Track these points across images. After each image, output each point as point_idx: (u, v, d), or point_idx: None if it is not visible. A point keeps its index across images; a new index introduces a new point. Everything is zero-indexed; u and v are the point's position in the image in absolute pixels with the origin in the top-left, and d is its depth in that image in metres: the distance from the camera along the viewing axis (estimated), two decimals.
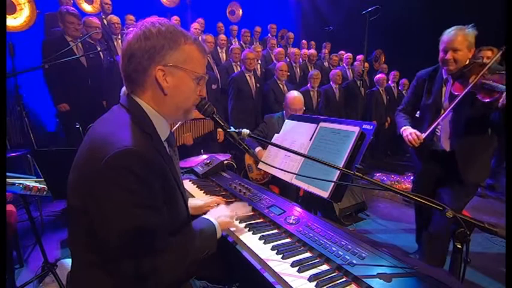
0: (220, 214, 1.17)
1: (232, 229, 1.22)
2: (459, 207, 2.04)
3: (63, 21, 3.31)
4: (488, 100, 1.76)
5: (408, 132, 2.00)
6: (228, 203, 1.46)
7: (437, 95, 2.04)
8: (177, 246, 0.91)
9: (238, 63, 4.54)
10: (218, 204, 1.42)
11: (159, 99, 0.92)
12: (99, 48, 3.56)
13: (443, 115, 1.92)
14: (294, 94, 2.92)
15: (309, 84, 4.87)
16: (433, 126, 1.92)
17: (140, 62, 0.88)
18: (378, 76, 5.92)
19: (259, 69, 4.94)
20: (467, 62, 1.91)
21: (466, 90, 1.81)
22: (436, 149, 2.09)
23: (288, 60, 5.51)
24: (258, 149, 2.84)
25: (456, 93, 1.88)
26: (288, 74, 4.48)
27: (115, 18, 4.29)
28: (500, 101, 1.68)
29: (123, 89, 0.97)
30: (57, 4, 4.30)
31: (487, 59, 2.54)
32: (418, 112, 2.27)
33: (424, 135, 1.94)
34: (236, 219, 1.27)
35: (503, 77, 1.75)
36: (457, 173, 1.99)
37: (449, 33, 1.90)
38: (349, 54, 6.29)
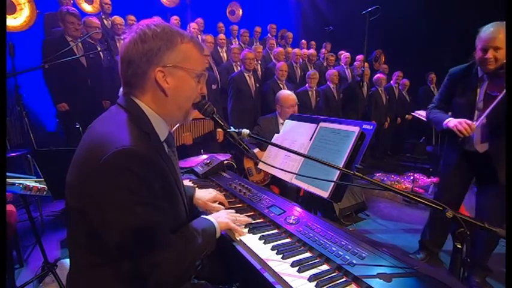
0: (220, 215, 1.18)
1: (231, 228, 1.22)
2: (502, 214, 1.96)
3: (64, 21, 3.31)
4: None
5: (457, 121, 1.86)
6: (230, 202, 1.47)
7: (471, 94, 1.94)
8: (178, 244, 0.91)
9: (238, 63, 4.54)
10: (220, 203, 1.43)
11: (160, 101, 0.92)
12: (99, 48, 3.57)
13: (485, 113, 1.81)
14: (286, 92, 2.95)
15: (307, 84, 4.88)
16: (482, 117, 1.81)
17: (139, 65, 0.88)
18: (376, 76, 5.93)
19: (259, 69, 4.94)
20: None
21: (505, 91, 1.71)
22: (470, 150, 2.00)
23: (289, 60, 5.51)
24: (255, 150, 2.84)
25: (492, 93, 1.80)
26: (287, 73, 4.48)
27: (118, 19, 4.30)
28: None
29: (121, 89, 0.97)
30: (57, 4, 4.31)
31: None
32: (450, 113, 2.20)
33: (476, 124, 1.82)
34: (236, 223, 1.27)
35: None
36: (493, 175, 1.92)
37: (488, 31, 1.78)
38: (348, 54, 6.29)
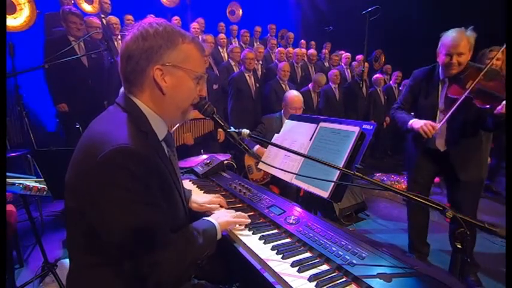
0: (220, 215, 1.18)
1: (232, 228, 1.22)
2: (473, 206, 2.09)
3: (66, 21, 3.31)
4: (486, 107, 1.78)
5: (422, 123, 1.95)
6: (227, 202, 1.47)
7: (433, 95, 2.06)
8: (178, 244, 0.91)
9: (238, 63, 4.54)
10: (221, 206, 1.43)
11: (158, 99, 0.92)
12: (100, 48, 3.56)
13: (448, 114, 1.89)
14: (294, 93, 2.92)
15: (310, 85, 4.88)
16: (444, 119, 1.90)
17: (138, 62, 0.88)
18: (375, 76, 5.93)
19: (259, 69, 4.94)
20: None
21: (464, 95, 1.82)
22: (430, 147, 2.12)
23: (290, 60, 5.51)
24: (256, 147, 2.84)
25: (452, 96, 1.90)
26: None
27: (113, 19, 4.29)
28: (498, 108, 1.69)
29: (122, 89, 0.97)
30: (57, 4, 4.31)
31: (497, 60, 2.53)
32: (413, 113, 2.29)
33: (439, 125, 1.91)
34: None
35: (500, 84, 1.77)
36: (453, 172, 2.05)
37: (452, 37, 1.89)
38: (348, 54, 6.29)
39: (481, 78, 1.81)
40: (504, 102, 1.65)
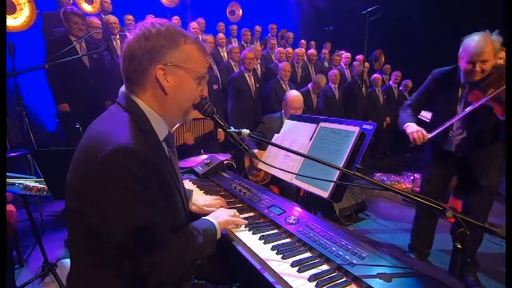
0: (220, 214, 1.18)
1: (231, 228, 1.22)
2: (487, 210, 2.07)
3: (68, 21, 3.31)
4: (502, 116, 1.73)
5: (414, 129, 1.94)
6: (227, 203, 1.47)
7: (452, 99, 1.97)
8: (178, 244, 0.91)
9: (238, 63, 4.54)
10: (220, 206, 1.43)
11: (160, 99, 0.92)
12: (100, 48, 3.56)
13: (453, 119, 1.88)
14: (294, 93, 2.92)
15: (309, 85, 4.87)
16: (440, 129, 1.89)
17: (141, 62, 0.88)
18: (373, 76, 5.94)
19: (259, 69, 4.94)
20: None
21: (481, 101, 1.75)
22: (448, 150, 2.07)
23: (290, 60, 5.51)
24: (255, 150, 2.84)
25: (471, 102, 1.83)
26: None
27: (112, 18, 4.29)
28: None
29: (122, 88, 0.97)
30: (55, 4, 4.30)
31: (500, 60, 2.50)
32: (430, 115, 2.25)
33: (429, 136, 1.90)
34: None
35: None
36: (472, 177, 1.99)
37: (475, 43, 1.76)
38: (348, 54, 6.29)
39: (504, 89, 1.69)
40: None
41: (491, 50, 1.75)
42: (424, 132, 1.91)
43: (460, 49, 1.88)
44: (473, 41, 1.79)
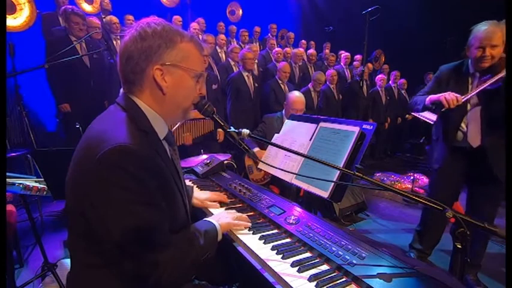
0: (221, 216, 1.18)
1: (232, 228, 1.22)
2: (495, 210, 2.02)
3: (68, 21, 3.30)
4: None
5: (444, 95, 1.86)
6: (224, 203, 1.47)
7: (463, 89, 1.96)
8: (178, 244, 0.91)
9: (237, 63, 4.54)
10: (220, 203, 1.44)
11: (158, 99, 0.92)
12: (100, 48, 3.56)
13: (472, 93, 1.84)
14: (296, 95, 2.93)
15: (310, 84, 4.87)
16: (472, 93, 1.84)
17: (137, 62, 0.88)
18: (379, 76, 5.94)
19: (256, 69, 4.93)
20: None
21: (495, 79, 1.76)
22: (462, 146, 2.01)
23: (288, 60, 5.51)
24: (256, 149, 2.84)
25: (485, 79, 1.84)
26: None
27: (114, 19, 4.30)
28: None
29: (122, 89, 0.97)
30: (53, 4, 4.30)
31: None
32: (435, 117, 2.22)
33: (463, 98, 1.84)
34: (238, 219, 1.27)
35: None
36: (489, 169, 1.93)
37: (485, 29, 1.81)
38: (347, 54, 6.29)
39: None
40: None
41: (500, 35, 1.78)
42: (457, 94, 1.83)
43: (470, 37, 1.89)
44: (483, 27, 1.83)
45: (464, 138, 2.00)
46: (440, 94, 1.89)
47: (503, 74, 1.76)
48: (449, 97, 1.83)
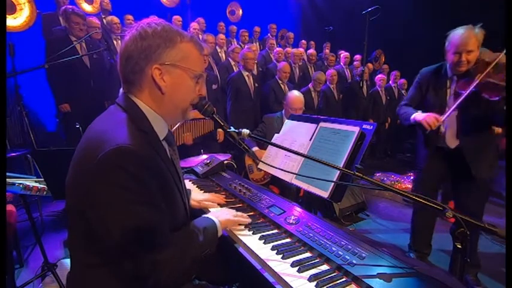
0: (221, 213, 1.18)
1: (231, 228, 1.22)
2: (479, 209, 2.07)
3: (68, 21, 3.30)
4: (494, 98, 1.77)
5: (425, 114, 1.95)
6: (227, 202, 1.47)
7: (442, 93, 2.04)
8: (178, 243, 0.91)
9: (238, 63, 4.54)
10: (218, 204, 1.44)
11: (157, 98, 0.92)
12: (100, 48, 3.56)
13: (452, 108, 1.91)
14: (295, 94, 2.93)
15: (310, 84, 4.87)
16: (449, 112, 1.91)
17: (137, 62, 0.88)
18: (378, 77, 5.93)
19: (255, 69, 4.93)
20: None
21: (471, 88, 1.82)
22: (442, 146, 2.10)
23: (288, 60, 5.51)
24: (255, 148, 2.84)
25: (460, 91, 1.90)
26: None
27: (115, 19, 4.30)
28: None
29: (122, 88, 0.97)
30: (53, 4, 4.30)
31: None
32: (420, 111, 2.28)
33: (443, 118, 1.91)
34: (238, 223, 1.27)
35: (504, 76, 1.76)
36: (466, 170, 2.01)
37: (460, 35, 1.88)
38: (347, 54, 6.29)
39: (490, 71, 1.79)
40: None
41: (475, 41, 1.85)
42: (437, 115, 1.91)
43: (446, 43, 1.97)
44: (458, 33, 1.89)
45: (443, 140, 2.09)
46: (422, 116, 1.95)
47: (477, 80, 1.83)
48: (429, 120, 1.90)
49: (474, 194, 2.06)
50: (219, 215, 1.16)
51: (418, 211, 2.41)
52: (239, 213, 1.25)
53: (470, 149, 2.00)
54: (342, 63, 6.31)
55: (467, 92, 1.83)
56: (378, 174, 4.89)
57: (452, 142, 2.07)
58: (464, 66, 1.91)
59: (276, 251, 1.07)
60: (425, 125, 1.91)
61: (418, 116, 1.99)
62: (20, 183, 1.74)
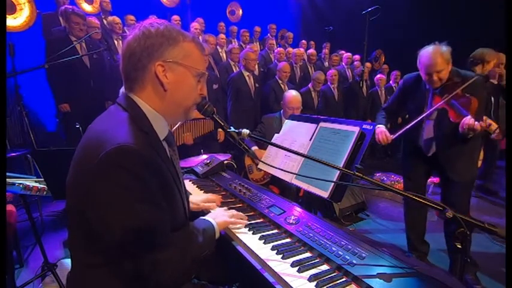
0: (218, 215, 1.18)
1: (231, 228, 1.22)
2: (464, 204, 2.15)
3: (68, 21, 3.30)
4: (454, 121, 1.89)
5: (379, 131, 2.15)
6: (224, 203, 1.47)
7: (420, 102, 2.14)
8: (178, 243, 0.91)
9: (238, 63, 4.54)
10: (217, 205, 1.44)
11: (159, 96, 0.93)
12: (100, 48, 3.56)
13: (412, 122, 2.05)
14: (292, 93, 2.93)
15: (310, 84, 4.87)
16: (400, 132, 2.10)
17: (140, 59, 0.88)
18: (377, 77, 5.93)
19: (256, 69, 4.94)
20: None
21: (437, 106, 1.95)
22: (420, 145, 2.21)
23: (289, 60, 5.50)
24: (254, 148, 2.84)
25: (433, 105, 2.01)
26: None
27: (117, 19, 4.31)
28: (461, 124, 1.81)
29: (122, 88, 0.98)
30: (53, 4, 4.30)
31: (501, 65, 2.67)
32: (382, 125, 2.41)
33: (392, 137, 2.12)
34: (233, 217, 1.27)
35: (472, 101, 1.85)
36: (444, 173, 2.14)
37: (427, 57, 1.94)
38: (349, 54, 6.29)
39: (458, 93, 1.89)
40: (466, 120, 1.78)
41: (442, 60, 1.91)
42: (388, 134, 2.13)
43: (417, 61, 2.03)
44: (426, 54, 1.96)
45: (421, 142, 2.20)
46: (378, 131, 2.15)
47: (444, 100, 1.93)
48: (380, 137, 2.14)
49: (458, 194, 2.13)
50: (216, 216, 1.17)
51: (406, 209, 2.52)
52: (235, 212, 1.26)
53: (446, 157, 2.09)
54: (343, 63, 6.31)
55: (430, 111, 1.99)
56: (378, 174, 4.88)
57: (429, 150, 2.17)
58: (437, 84, 1.98)
59: (276, 251, 1.07)
60: (377, 139, 2.13)
61: (377, 129, 2.14)
62: (20, 183, 1.74)
